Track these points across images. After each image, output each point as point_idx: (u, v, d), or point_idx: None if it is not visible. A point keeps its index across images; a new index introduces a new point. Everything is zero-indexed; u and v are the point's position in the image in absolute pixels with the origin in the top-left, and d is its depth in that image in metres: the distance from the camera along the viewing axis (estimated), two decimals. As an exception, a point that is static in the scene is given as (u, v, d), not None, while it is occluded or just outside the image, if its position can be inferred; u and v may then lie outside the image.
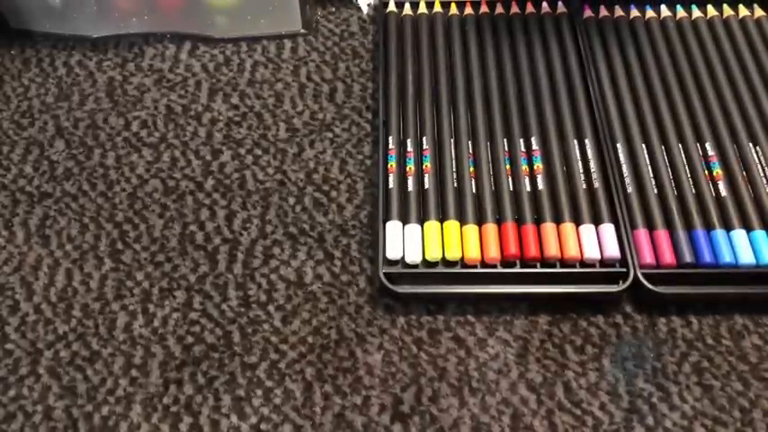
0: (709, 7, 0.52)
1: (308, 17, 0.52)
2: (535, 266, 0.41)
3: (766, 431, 0.37)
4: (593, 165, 0.44)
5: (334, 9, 0.54)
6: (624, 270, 0.40)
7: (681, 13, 0.52)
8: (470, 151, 0.45)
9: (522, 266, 0.41)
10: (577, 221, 0.42)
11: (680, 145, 0.45)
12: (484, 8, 0.52)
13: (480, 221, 0.42)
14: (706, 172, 0.44)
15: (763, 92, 0.47)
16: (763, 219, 0.42)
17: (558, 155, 0.44)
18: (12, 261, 0.42)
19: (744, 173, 0.44)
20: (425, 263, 0.41)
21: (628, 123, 0.46)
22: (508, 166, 0.44)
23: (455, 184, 0.43)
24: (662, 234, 0.41)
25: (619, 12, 0.52)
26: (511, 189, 0.43)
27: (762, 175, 0.43)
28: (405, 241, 0.41)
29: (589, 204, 0.42)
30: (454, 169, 0.44)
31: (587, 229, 0.41)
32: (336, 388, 0.38)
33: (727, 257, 0.40)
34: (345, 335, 0.40)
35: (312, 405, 0.37)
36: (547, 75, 0.48)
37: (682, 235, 0.41)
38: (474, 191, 0.43)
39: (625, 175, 0.44)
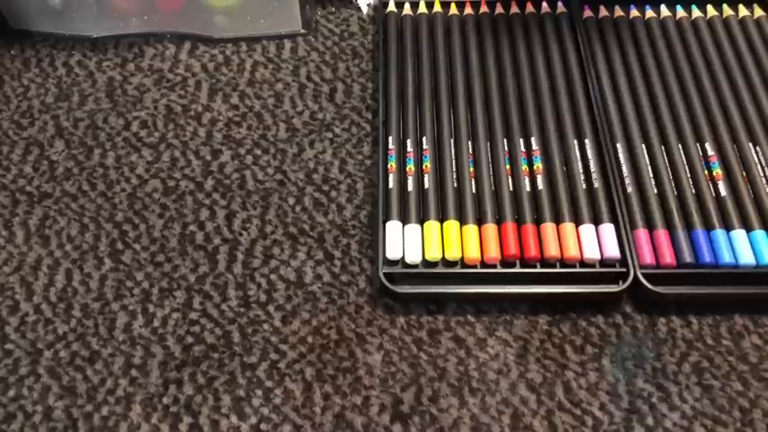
0: (709, 7, 0.52)
1: (307, 17, 0.52)
2: (535, 266, 0.41)
3: (766, 431, 0.37)
4: (592, 165, 0.44)
5: (334, 9, 0.54)
6: (624, 270, 0.40)
7: (680, 13, 0.52)
8: (470, 151, 0.45)
9: (522, 266, 0.41)
10: (577, 221, 0.42)
11: (680, 145, 0.45)
12: (484, 8, 0.52)
13: (480, 221, 0.42)
14: (706, 172, 0.44)
15: (763, 92, 0.47)
16: (762, 219, 0.42)
17: (557, 155, 0.44)
18: (12, 261, 0.42)
19: (744, 173, 0.44)
20: (425, 263, 0.41)
21: (628, 123, 0.46)
22: (508, 166, 0.44)
23: (455, 184, 0.43)
24: (662, 234, 0.41)
25: (618, 12, 0.52)
26: (511, 189, 0.43)
27: (762, 175, 0.43)
28: (405, 241, 0.41)
29: (589, 204, 0.42)
30: (454, 169, 0.44)
31: (587, 229, 0.41)
32: (336, 388, 0.38)
33: (726, 257, 0.40)
34: (345, 335, 0.40)
35: (312, 405, 0.37)
36: (547, 75, 0.48)
37: (682, 235, 0.41)
38: (474, 191, 0.43)
39: (625, 175, 0.44)
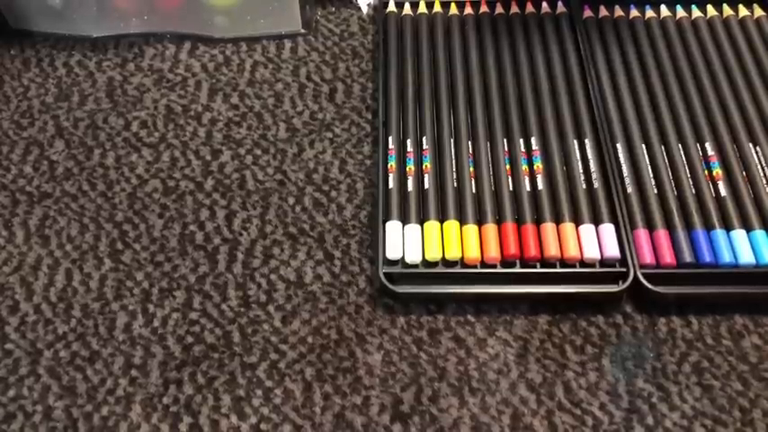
0: (709, 7, 0.52)
1: (307, 17, 0.52)
2: (535, 266, 0.41)
3: (766, 431, 0.37)
4: (592, 165, 0.44)
5: (334, 9, 0.54)
6: (624, 270, 0.40)
7: (680, 13, 0.52)
8: (470, 151, 0.45)
9: (521, 266, 0.41)
10: (577, 221, 0.42)
11: (680, 145, 0.45)
12: (484, 8, 0.52)
13: (480, 221, 0.42)
14: (706, 172, 0.44)
15: (763, 92, 0.47)
16: (762, 219, 0.42)
17: (557, 155, 0.44)
18: (12, 261, 0.42)
19: (743, 173, 0.44)
20: (425, 263, 0.41)
21: (627, 123, 0.46)
22: (508, 166, 0.44)
23: (455, 184, 0.43)
24: (662, 234, 0.41)
25: (618, 12, 0.52)
26: (511, 189, 0.43)
27: (762, 175, 0.43)
28: (405, 241, 0.41)
29: (589, 204, 0.42)
30: (454, 169, 0.44)
31: (587, 228, 0.41)
32: (336, 388, 0.38)
33: (726, 257, 0.40)
34: (345, 335, 0.40)
35: (312, 405, 0.37)
36: (547, 75, 0.48)
37: (681, 235, 0.41)
38: (474, 191, 0.43)
39: (625, 174, 0.44)
